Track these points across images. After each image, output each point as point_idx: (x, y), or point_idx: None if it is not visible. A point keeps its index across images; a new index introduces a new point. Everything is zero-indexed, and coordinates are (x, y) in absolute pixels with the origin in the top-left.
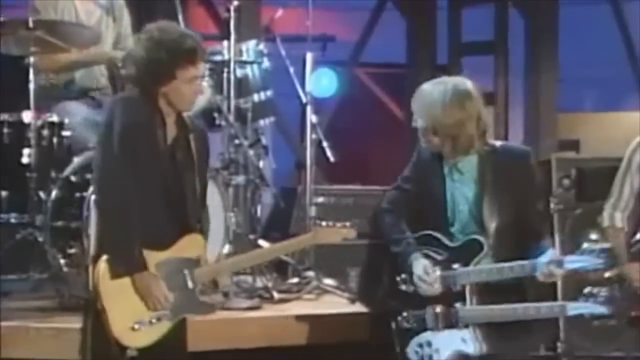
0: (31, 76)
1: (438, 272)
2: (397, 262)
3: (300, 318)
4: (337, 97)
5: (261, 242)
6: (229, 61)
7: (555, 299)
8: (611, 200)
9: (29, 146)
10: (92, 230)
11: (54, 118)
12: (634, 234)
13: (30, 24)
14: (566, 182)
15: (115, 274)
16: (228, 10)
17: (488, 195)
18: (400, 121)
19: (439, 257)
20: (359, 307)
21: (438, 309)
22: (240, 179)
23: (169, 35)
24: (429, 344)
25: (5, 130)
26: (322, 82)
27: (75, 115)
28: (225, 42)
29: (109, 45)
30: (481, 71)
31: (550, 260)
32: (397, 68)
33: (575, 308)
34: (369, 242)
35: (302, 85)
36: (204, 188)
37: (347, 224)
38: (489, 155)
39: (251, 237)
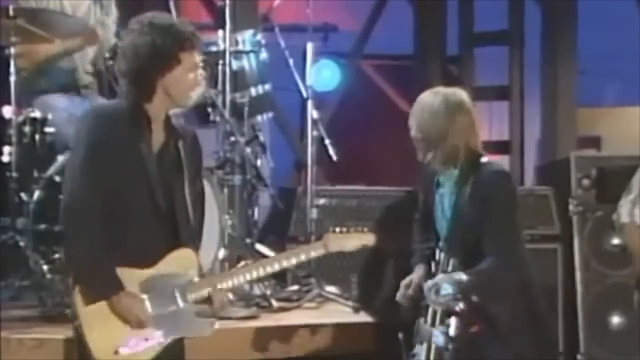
0: (12, 68)
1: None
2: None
3: (300, 328)
4: (340, 91)
5: (258, 246)
6: (224, 52)
7: None
8: (631, 197)
9: (9, 144)
10: None
11: (36, 114)
12: None
13: (11, 12)
14: (586, 182)
15: (89, 300)
16: None
17: (461, 207)
18: (408, 116)
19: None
20: (363, 317)
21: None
22: (236, 179)
23: (168, 21)
24: (415, 355)
25: None
26: (323, 75)
27: (59, 110)
28: (220, 32)
29: (112, 36)
30: (495, 63)
31: (431, 285)
32: (404, 60)
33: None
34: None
35: (303, 78)
36: (198, 198)
37: (365, 229)
38: (470, 170)
39: (247, 240)
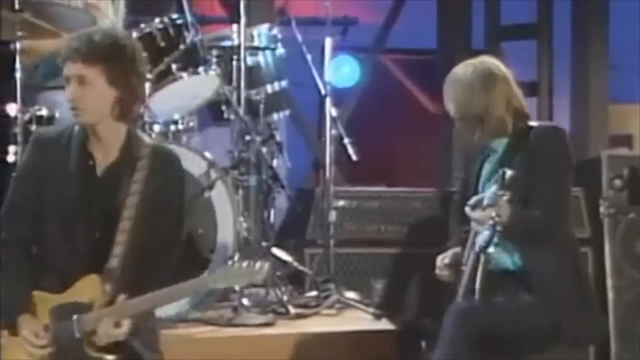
0: (17, 64)
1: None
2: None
3: (319, 336)
4: (360, 87)
5: (274, 250)
6: (238, 47)
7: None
8: None
9: (15, 143)
10: None
11: (43, 112)
12: None
13: (17, 5)
14: (618, 182)
15: (2, 322)
16: None
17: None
18: (431, 114)
19: None
20: (385, 324)
21: None
22: (251, 179)
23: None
24: None
25: None
26: (343, 71)
27: (66, 107)
28: (234, 26)
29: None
30: (522, 57)
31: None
32: (427, 54)
33: None
34: (397, 251)
35: (321, 74)
36: (162, 228)
37: (258, 264)
38: (520, 135)
39: (263, 244)
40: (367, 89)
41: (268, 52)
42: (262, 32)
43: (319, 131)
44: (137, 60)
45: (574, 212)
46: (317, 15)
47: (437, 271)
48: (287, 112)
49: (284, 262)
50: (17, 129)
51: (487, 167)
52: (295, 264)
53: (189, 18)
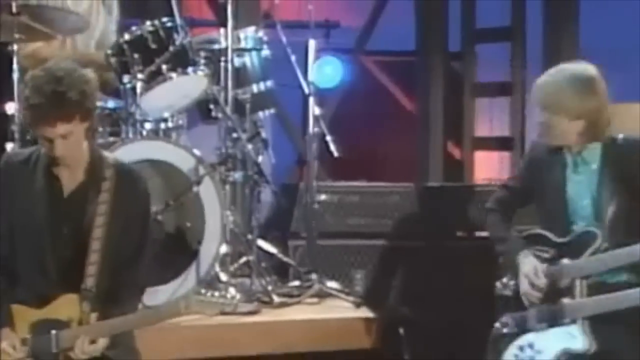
0: (15, 65)
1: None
2: (504, 262)
3: (302, 323)
4: (342, 87)
5: (260, 242)
6: (226, 49)
7: None
8: None
9: (12, 140)
10: None
11: None
12: None
13: (14, 9)
14: None
15: None
16: None
17: (608, 184)
18: (410, 113)
19: (545, 255)
20: (364, 312)
21: (543, 307)
22: (237, 175)
23: (33, 81)
24: (531, 345)
25: None
26: (325, 72)
27: None
28: (222, 29)
29: (95, 38)
30: (497, 59)
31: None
32: (407, 56)
33: None
34: (376, 243)
35: (305, 74)
36: (128, 246)
37: (230, 295)
38: (612, 144)
39: (249, 237)
40: (348, 89)
41: (254, 54)
42: (248, 35)
43: (302, 129)
44: (96, 88)
45: None
46: (300, 18)
47: (526, 290)
48: (272, 111)
49: (269, 254)
50: (15, 127)
51: (576, 179)
52: (280, 255)
53: (178, 21)
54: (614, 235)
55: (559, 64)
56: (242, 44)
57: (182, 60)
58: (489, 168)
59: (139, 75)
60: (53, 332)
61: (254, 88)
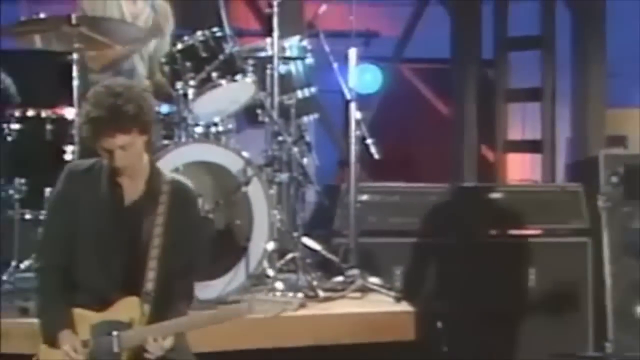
0: (74, 72)
1: None
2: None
3: (345, 316)
4: (381, 93)
5: (305, 239)
6: (272, 57)
7: None
8: None
9: (72, 143)
10: None
11: None
12: None
13: (74, 20)
14: (614, 179)
15: (42, 337)
16: (271, 6)
17: None
18: (445, 117)
19: None
20: (404, 306)
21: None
22: (283, 176)
23: (94, 96)
24: None
25: (48, 126)
26: (365, 78)
27: None
28: (268, 39)
29: (152, 45)
30: (528, 66)
31: None
32: (442, 63)
33: None
34: (415, 241)
35: (346, 81)
36: (181, 256)
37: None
38: None
39: (295, 234)
40: (387, 95)
41: (298, 62)
42: (293, 44)
43: (344, 132)
44: (153, 105)
45: (575, 205)
46: (342, 28)
47: None
48: (315, 115)
49: (314, 251)
50: (74, 131)
51: None
52: (324, 252)
53: (227, 31)
54: None
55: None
56: (287, 53)
57: (230, 68)
58: (520, 169)
59: (191, 82)
60: (114, 332)
61: (299, 94)
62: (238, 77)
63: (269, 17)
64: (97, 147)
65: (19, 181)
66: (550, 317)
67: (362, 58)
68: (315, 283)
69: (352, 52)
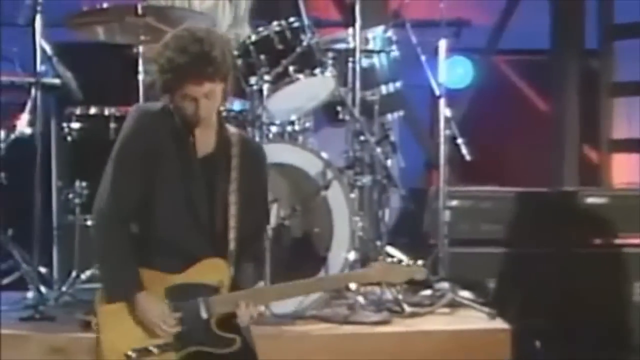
0: (140, 67)
1: None
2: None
3: (434, 334)
4: (473, 88)
5: (389, 249)
6: (354, 50)
7: None
8: None
9: None
10: None
11: None
12: None
13: (139, 10)
14: None
15: (107, 299)
16: None
17: None
18: (543, 114)
19: None
20: (499, 323)
21: None
22: (366, 179)
23: (175, 41)
24: None
25: (112, 125)
26: (456, 72)
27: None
28: (349, 29)
29: (224, 29)
30: (636, 57)
31: None
32: (540, 54)
33: None
34: (510, 251)
35: (435, 75)
36: (250, 211)
37: (419, 262)
38: None
39: (378, 243)
40: (480, 90)
41: (382, 54)
42: (376, 35)
43: (432, 131)
44: (232, 45)
45: None
46: (431, 17)
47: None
48: (401, 113)
49: (399, 261)
50: None
51: None
52: (410, 263)
53: (305, 21)
54: None
55: None
56: (371, 45)
57: (309, 61)
58: (628, 171)
59: (266, 77)
60: (201, 298)
61: (383, 89)
62: (317, 71)
63: (351, 6)
64: (177, 97)
65: (80, 184)
66: None
67: (452, 50)
68: (400, 297)
69: (442, 44)
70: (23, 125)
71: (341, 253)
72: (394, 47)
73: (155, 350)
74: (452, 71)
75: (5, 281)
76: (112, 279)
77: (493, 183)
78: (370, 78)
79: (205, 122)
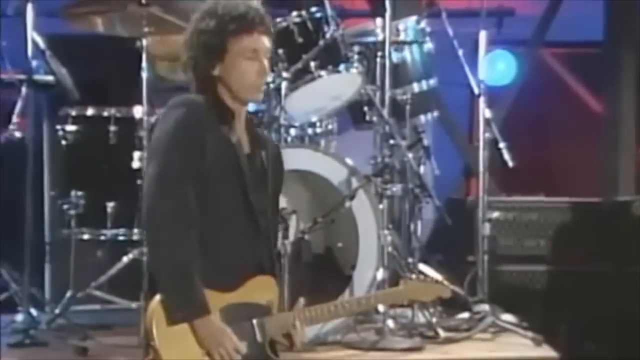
0: (144, 62)
1: None
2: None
3: None
4: (517, 85)
5: (422, 266)
6: (383, 43)
7: None
8: None
9: (140, 148)
10: None
11: None
12: None
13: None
14: None
15: (172, 319)
16: None
17: None
18: (596, 114)
19: None
20: (545, 350)
21: None
22: (396, 188)
23: (219, 4)
24: None
25: (112, 128)
26: (498, 67)
27: None
28: (378, 20)
29: None
30: None
31: None
32: (593, 47)
33: None
34: (558, 269)
35: (474, 71)
36: (276, 222)
37: (442, 279)
38: None
39: (410, 260)
40: (524, 88)
41: (415, 48)
42: (408, 26)
43: (470, 135)
44: None
45: None
46: (469, 6)
47: None
48: (435, 114)
49: (428, 278)
50: (143, 133)
51: None
52: (445, 282)
53: (329, 11)
54: None
55: None
56: (402, 37)
57: (332, 56)
58: None
59: (284, 74)
60: (255, 320)
61: (415, 87)
62: (341, 67)
63: None
64: (232, 60)
65: (76, 194)
66: None
67: (493, 42)
68: (434, 320)
69: (482, 36)
70: (13, 127)
71: (368, 271)
72: (427, 39)
73: None
74: (493, 67)
75: None
76: (182, 298)
77: (539, 193)
78: (401, 74)
79: (241, 113)
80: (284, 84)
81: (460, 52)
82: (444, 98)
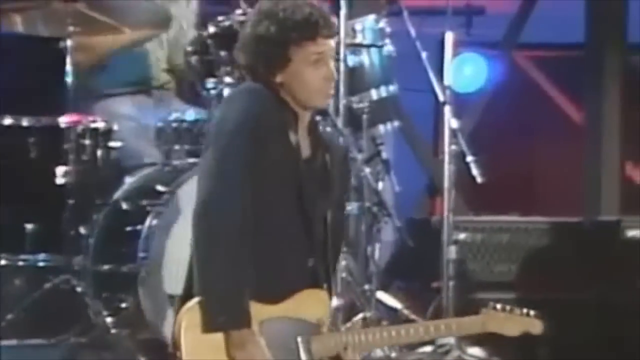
0: (68, 66)
1: None
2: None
3: None
4: (488, 92)
5: (379, 294)
6: (337, 45)
7: None
8: None
9: (64, 163)
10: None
11: (99, 123)
12: None
13: None
14: None
15: (211, 326)
16: None
17: None
18: (577, 124)
19: None
20: None
21: None
22: (352, 206)
23: (279, 5)
24: None
25: (32, 139)
26: (466, 72)
27: (126, 119)
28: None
29: (191, 25)
30: None
31: None
32: (572, 50)
33: None
34: (532, 297)
35: (439, 76)
36: (339, 228)
37: (532, 313)
38: None
39: (366, 287)
40: (496, 94)
41: (374, 50)
42: (366, 26)
43: (435, 147)
44: None
45: None
46: (434, 4)
47: None
48: (396, 124)
49: (392, 309)
50: (68, 145)
51: None
52: (406, 311)
53: None
54: None
55: None
56: (359, 38)
57: None
58: None
59: (227, 79)
60: (300, 337)
61: (373, 94)
62: None
63: None
64: (296, 67)
65: None
66: None
67: (461, 44)
68: (394, 355)
69: (448, 37)
70: None
71: None
72: (387, 41)
73: None
74: (461, 71)
75: None
76: (226, 303)
77: (512, 212)
78: (358, 80)
79: (305, 115)
80: (226, 90)
81: (424, 55)
82: (405, 106)
